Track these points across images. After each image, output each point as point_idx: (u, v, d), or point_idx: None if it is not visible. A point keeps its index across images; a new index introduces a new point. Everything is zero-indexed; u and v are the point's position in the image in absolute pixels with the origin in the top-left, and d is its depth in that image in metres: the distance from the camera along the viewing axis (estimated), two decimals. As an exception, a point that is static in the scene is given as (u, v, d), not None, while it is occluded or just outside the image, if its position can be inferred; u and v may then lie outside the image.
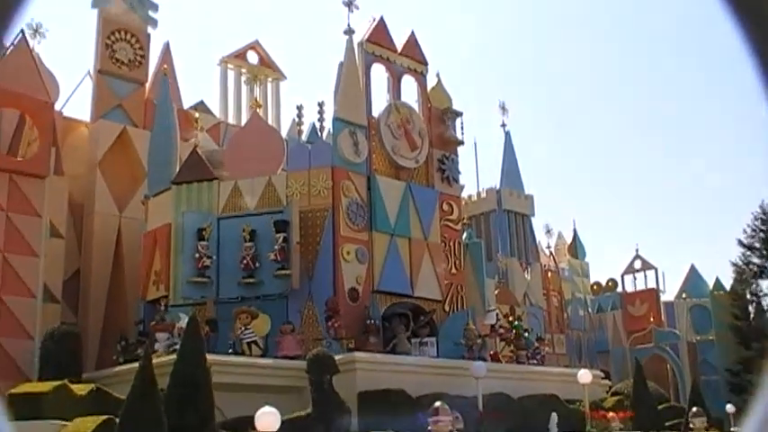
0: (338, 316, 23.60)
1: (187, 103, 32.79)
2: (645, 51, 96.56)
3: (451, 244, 29.14)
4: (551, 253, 43.53)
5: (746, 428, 1.15)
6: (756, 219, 48.02)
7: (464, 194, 34.70)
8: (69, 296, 27.23)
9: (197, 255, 24.42)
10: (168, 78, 30.08)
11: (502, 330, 29.13)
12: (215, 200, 25.60)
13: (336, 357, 20.01)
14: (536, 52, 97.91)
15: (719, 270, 67.82)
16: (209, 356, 17.76)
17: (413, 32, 29.85)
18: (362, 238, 25.75)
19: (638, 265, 47.36)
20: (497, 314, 30.35)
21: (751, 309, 47.74)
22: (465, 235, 31.77)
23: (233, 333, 22.55)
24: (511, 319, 30.36)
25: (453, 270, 28.91)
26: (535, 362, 28.86)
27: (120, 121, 29.73)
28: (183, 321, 22.02)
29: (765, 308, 48.31)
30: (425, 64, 30.06)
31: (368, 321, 23.97)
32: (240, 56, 35.05)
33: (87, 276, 28.20)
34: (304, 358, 20.36)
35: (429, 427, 17.63)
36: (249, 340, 22.27)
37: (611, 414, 25.90)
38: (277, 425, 13.37)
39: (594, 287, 47.31)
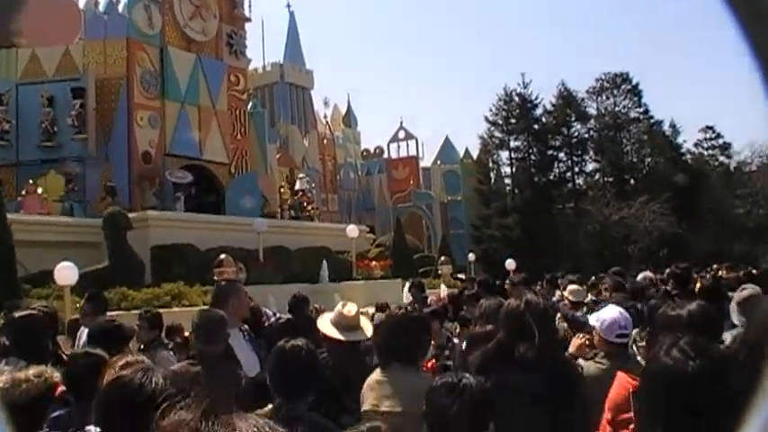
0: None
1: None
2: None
3: (237, 112, 28.90)
4: (327, 122, 43.83)
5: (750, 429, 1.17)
6: (500, 99, 50.14)
7: (250, 67, 34.16)
8: None
9: (-5, 119, 23.15)
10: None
11: (310, 195, 29.56)
12: (13, 67, 24.18)
13: (130, 215, 19.65)
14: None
15: (469, 141, 70.87)
16: (10, 215, 17.04)
17: None
18: (155, 105, 25.13)
19: (401, 135, 48.46)
20: (307, 180, 30.70)
21: (492, 175, 50.32)
22: (250, 104, 31.51)
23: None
24: (313, 185, 30.95)
25: (239, 136, 28.74)
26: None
27: None
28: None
29: (503, 174, 51.14)
30: (216, -55, 28.98)
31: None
32: (36, -74, 32.53)
33: None
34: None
35: (215, 278, 17.78)
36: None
37: (374, 263, 26.94)
38: (75, 277, 13.13)
39: (364, 153, 48.11)
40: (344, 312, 6.04)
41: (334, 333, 6.05)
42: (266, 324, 6.83)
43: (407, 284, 15.78)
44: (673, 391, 2.15)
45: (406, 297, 17.34)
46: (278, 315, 7.17)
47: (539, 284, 17.22)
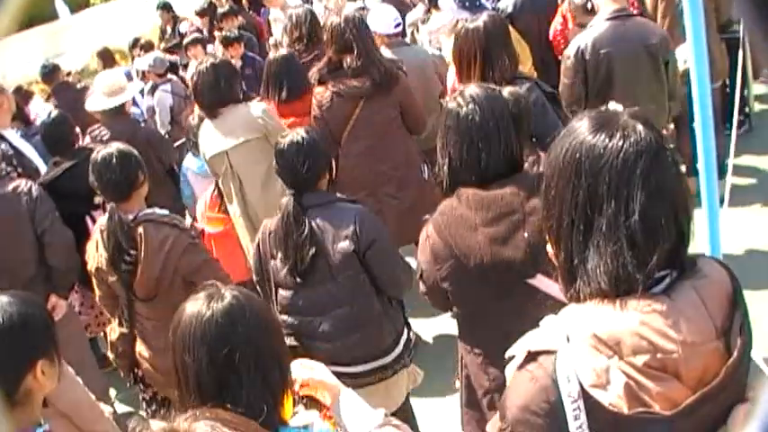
0: None
1: None
2: None
3: None
4: None
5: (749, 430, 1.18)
6: None
7: None
8: None
9: None
10: None
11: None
12: None
13: None
14: None
15: None
16: None
17: None
18: None
19: None
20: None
21: None
22: None
23: None
24: None
25: None
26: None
27: None
28: None
29: None
30: None
31: None
32: None
33: None
34: None
35: None
36: None
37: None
38: None
39: None
40: (107, 83, 6.13)
41: (105, 104, 6.10)
42: (38, 122, 6.71)
43: (155, 7, 15.31)
44: (453, 129, 2.76)
45: (157, 18, 16.78)
46: (46, 110, 7.00)
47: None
